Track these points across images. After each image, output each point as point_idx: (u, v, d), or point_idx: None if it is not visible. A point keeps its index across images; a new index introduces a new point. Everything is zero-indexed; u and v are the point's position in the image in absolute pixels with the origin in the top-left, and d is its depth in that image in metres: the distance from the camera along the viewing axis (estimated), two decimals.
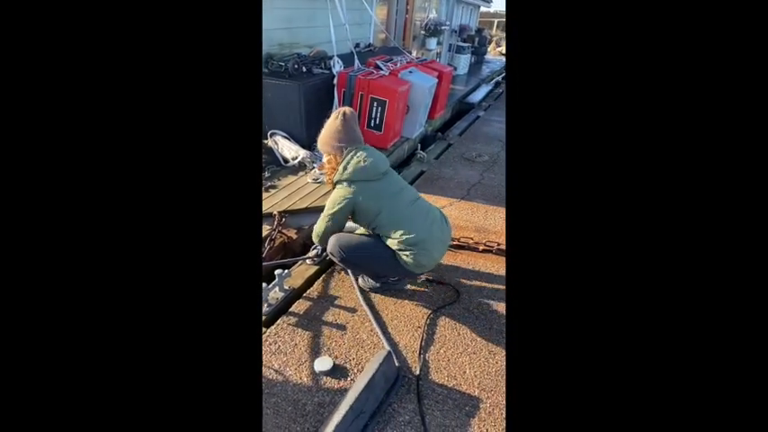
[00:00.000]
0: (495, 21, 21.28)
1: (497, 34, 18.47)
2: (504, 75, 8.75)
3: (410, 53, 5.32)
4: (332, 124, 1.72)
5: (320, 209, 2.53)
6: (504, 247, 2.23)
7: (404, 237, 1.61)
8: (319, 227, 1.78)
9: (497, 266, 2.12)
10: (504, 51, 14.19)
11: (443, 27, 6.45)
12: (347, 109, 1.73)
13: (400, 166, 3.69)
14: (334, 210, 1.69)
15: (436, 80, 4.06)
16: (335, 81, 3.40)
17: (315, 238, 1.83)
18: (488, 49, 12.48)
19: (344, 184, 1.66)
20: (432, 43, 6.65)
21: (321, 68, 3.51)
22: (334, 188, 1.73)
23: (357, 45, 4.63)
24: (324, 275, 1.97)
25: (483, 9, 12.76)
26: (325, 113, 3.42)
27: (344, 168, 1.66)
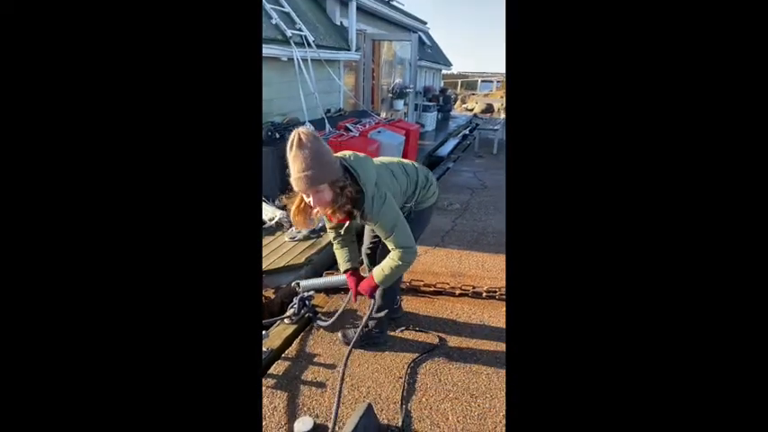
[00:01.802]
0: (459, 81, 23.03)
1: (462, 92, 19.90)
2: (470, 128, 9.33)
3: (378, 115, 5.69)
4: (317, 148, 1.31)
5: (299, 266, 2.56)
6: (479, 289, 2.28)
7: (425, 179, 1.70)
8: (399, 259, 1.47)
9: (474, 309, 2.16)
10: (468, 107, 15.23)
11: (408, 90, 6.97)
12: (300, 131, 1.32)
13: None
14: (399, 222, 1.46)
15: (404, 137, 4.33)
16: None
17: (391, 279, 1.55)
18: (454, 107, 13.39)
19: (377, 192, 1.43)
20: (399, 104, 7.13)
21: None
22: (344, 220, 1.50)
23: (328, 111, 4.94)
24: (302, 334, 1.96)
25: (445, 71, 13.88)
26: None
27: (365, 181, 1.39)
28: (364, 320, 1.77)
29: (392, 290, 1.82)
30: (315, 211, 1.44)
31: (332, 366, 1.73)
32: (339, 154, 1.45)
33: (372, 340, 1.84)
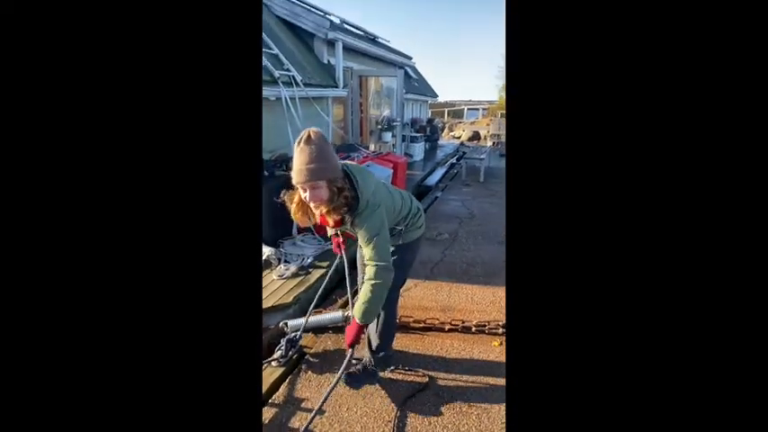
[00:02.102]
0: (446, 110, 23.67)
1: (449, 121, 20.43)
2: (457, 156, 9.52)
3: (367, 148, 5.80)
4: (324, 147, 1.36)
5: (287, 305, 2.54)
6: (468, 324, 2.28)
7: (417, 208, 1.74)
8: (379, 277, 1.43)
9: (464, 345, 2.15)
10: (456, 135, 15.59)
11: (396, 123, 7.15)
12: (311, 130, 1.38)
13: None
14: (383, 233, 1.45)
15: (391, 170, 4.41)
16: None
17: (373, 307, 1.47)
18: (442, 135, 13.70)
19: (372, 199, 1.46)
20: (387, 137, 7.29)
21: (282, 170, 3.77)
22: (344, 219, 1.47)
23: None
24: (290, 377, 1.92)
25: (432, 101, 14.29)
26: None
27: (362, 189, 1.43)
28: (346, 361, 1.66)
29: (389, 326, 1.80)
30: (314, 206, 1.43)
31: (321, 412, 1.69)
32: (342, 162, 1.49)
33: (359, 380, 1.81)
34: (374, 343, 1.80)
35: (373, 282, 1.43)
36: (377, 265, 1.43)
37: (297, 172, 1.37)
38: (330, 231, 1.68)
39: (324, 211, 1.43)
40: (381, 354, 1.81)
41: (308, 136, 1.36)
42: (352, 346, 1.56)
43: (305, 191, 1.39)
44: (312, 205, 1.43)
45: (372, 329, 1.79)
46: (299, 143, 1.36)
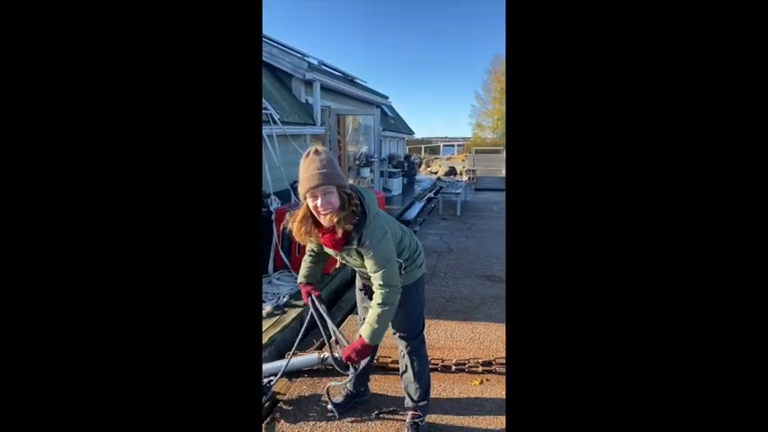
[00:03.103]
0: (422, 146, 24.40)
1: (425, 156, 21.00)
2: (435, 190, 9.71)
3: None
4: (331, 157, 1.39)
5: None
6: (448, 363, 2.23)
7: (416, 244, 1.70)
8: (386, 303, 1.43)
9: (444, 385, 2.09)
10: (432, 170, 15.99)
11: (373, 159, 7.28)
12: (316, 147, 1.43)
13: (346, 286, 3.74)
14: (393, 260, 1.46)
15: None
16: (273, 217, 3.60)
17: (382, 328, 1.45)
18: (419, 170, 14.02)
19: (383, 226, 1.45)
20: (365, 172, 7.39)
21: (262, 207, 3.73)
22: (354, 239, 1.43)
23: (295, 182, 5.03)
24: (264, 426, 1.81)
25: (409, 138, 14.72)
26: (266, 248, 3.53)
27: (368, 205, 1.43)
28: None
29: (424, 372, 1.73)
30: (325, 214, 1.36)
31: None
32: None
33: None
34: (415, 395, 1.73)
35: (385, 305, 1.43)
36: (389, 288, 1.43)
37: (307, 179, 1.34)
38: (330, 252, 1.59)
39: (335, 220, 1.37)
40: (424, 402, 1.74)
41: (315, 149, 1.39)
42: (359, 360, 1.51)
43: (316, 198, 1.35)
44: (323, 213, 1.37)
45: (410, 381, 1.73)
46: (306, 156, 1.38)
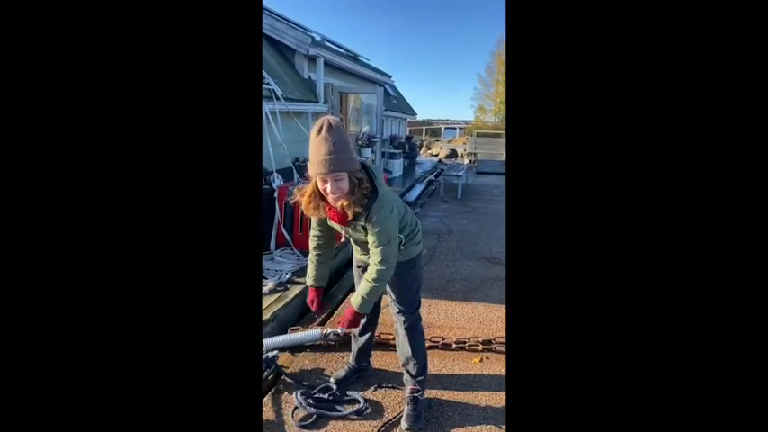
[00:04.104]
0: (424, 128, 24.15)
1: (427, 139, 20.82)
2: (436, 173, 9.67)
3: None
4: (344, 136, 1.34)
5: (264, 323, 2.46)
6: (448, 341, 2.27)
7: (416, 223, 1.70)
8: (381, 274, 1.46)
9: (444, 362, 2.14)
10: (433, 153, 15.88)
11: (375, 139, 7.21)
12: (329, 118, 1.36)
13: (346, 266, 3.77)
14: (395, 239, 1.47)
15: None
16: (276, 195, 3.59)
17: (372, 300, 1.52)
18: (420, 152, 13.93)
19: (386, 200, 1.44)
20: (367, 152, 7.34)
21: (262, 185, 3.71)
22: (364, 216, 1.42)
23: (296, 160, 4.99)
24: (266, 398, 1.85)
25: (411, 119, 14.56)
26: (268, 226, 3.53)
27: (379, 183, 1.42)
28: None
29: (421, 348, 1.77)
30: (335, 198, 1.36)
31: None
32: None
33: (419, 407, 1.71)
34: (413, 370, 1.75)
35: (377, 281, 1.48)
36: (385, 266, 1.47)
37: (318, 162, 1.31)
38: (336, 227, 1.59)
39: (345, 204, 1.36)
40: (422, 377, 1.77)
41: (329, 124, 1.31)
42: (350, 325, 1.58)
43: (325, 182, 1.34)
44: (331, 198, 1.37)
45: (408, 357, 1.75)
46: (318, 131, 1.31)
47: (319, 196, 1.43)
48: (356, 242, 1.65)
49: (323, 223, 1.62)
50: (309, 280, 1.73)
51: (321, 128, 1.31)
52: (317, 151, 1.31)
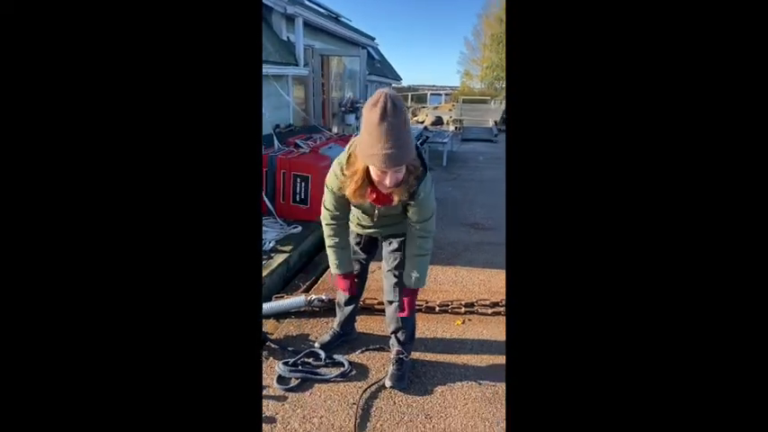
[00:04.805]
0: (409, 94, 23.63)
1: (412, 105, 20.42)
2: (421, 140, 9.55)
3: (330, 130, 5.67)
4: (407, 122, 1.15)
5: None
6: (432, 304, 2.30)
7: None
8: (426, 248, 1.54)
9: (428, 325, 2.17)
10: (419, 120, 15.62)
11: (359, 104, 7.02)
12: (391, 95, 1.12)
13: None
14: (435, 207, 1.49)
15: None
16: None
17: (425, 272, 1.60)
18: None
19: (429, 175, 1.40)
20: (350, 119, 7.16)
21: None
22: (411, 197, 1.36)
23: (277, 126, 4.84)
24: None
25: (395, 85, 14.18)
26: None
27: (426, 162, 1.38)
28: (394, 353, 1.76)
29: (412, 316, 1.78)
30: (390, 188, 1.25)
31: (282, 398, 1.65)
32: None
33: (404, 367, 1.74)
34: (402, 337, 1.77)
35: (428, 252, 1.57)
36: (430, 237, 1.54)
37: (378, 156, 1.13)
38: (369, 207, 1.48)
39: (399, 192, 1.28)
40: (409, 344, 1.80)
41: (393, 105, 1.08)
42: (411, 312, 1.71)
43: (384, 173, 1.21)
44: (387, 188, 1.26)
45: (399, 325, 1.76)
46: (382, 116, 1.08)
47: (367, 181, 1.30)
48: (382, 216, 1.52)
49: (343, 201, 1.48)
50: (339, 269, 1.64)
51: (385, 110, 1.08)
52: (378, 142, 1.11)
